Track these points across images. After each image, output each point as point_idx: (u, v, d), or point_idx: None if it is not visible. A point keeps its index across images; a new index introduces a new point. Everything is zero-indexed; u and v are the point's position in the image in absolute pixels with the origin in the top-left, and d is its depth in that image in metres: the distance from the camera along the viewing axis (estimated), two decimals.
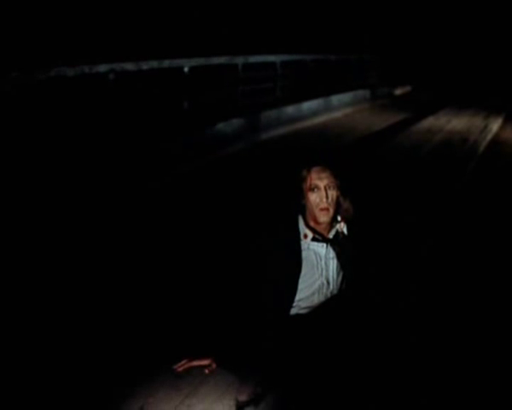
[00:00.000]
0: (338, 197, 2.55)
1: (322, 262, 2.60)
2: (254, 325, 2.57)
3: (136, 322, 3.31)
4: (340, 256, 2.61)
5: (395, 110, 14.49)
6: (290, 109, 11.74)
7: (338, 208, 2.57)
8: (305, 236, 2.60)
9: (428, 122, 12.39)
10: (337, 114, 13.56)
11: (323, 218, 2.54)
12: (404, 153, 9.02)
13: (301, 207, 2.61)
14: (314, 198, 2.53)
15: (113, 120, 7.12)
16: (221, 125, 8.96)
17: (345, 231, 2.62)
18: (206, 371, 2.44)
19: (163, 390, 2.63)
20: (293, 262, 2.58)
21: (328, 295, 2.62)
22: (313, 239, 2.60)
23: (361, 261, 2.63)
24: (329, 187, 2.52)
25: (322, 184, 2.52)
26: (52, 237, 4.59)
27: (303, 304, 2.61)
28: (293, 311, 2.62)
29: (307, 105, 12.59)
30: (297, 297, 2.59)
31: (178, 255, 4.38)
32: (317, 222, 2.57)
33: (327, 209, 2.52)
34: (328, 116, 13.06)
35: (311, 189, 2.53)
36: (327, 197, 2.51)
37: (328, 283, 2.61)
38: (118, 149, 6.70)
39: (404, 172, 7.60)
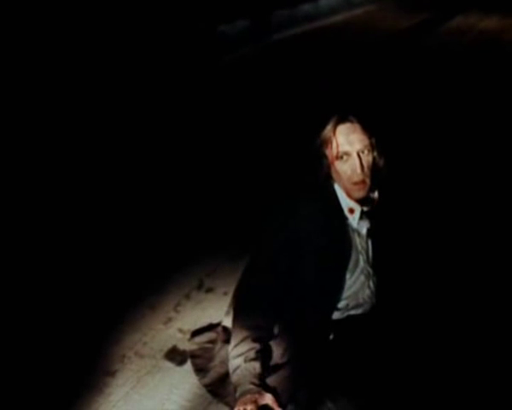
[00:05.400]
0: (374, 160, 1.84)
1: (364, 245, 1.93)
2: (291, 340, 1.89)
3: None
4: (375, 236, 1.95)
5: (422, 7, 13.35)
6: (306, 7, 10.76)
7: (375, 175, 1.86)
8: (351, 210, 1.89)
9: (458, 21, 11.40)
10: (358, 12, 12.54)
11: (359, 193, 1.84)
12: (432, 54, 8.29)
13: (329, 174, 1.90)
14: (345, 170, 1.83)
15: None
16: (225, 27, 8.09)
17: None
18: None
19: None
20: (338, 249, 1.87)
21: (372, 287, 1.95)
22: (361, 216, 1.90)
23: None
24: (363, 151, 1.81)
25: (353, 149, 1.81)
26: None
27: (351, 303, 1.93)
28: (340, 314, 1.94)
29: (326, 2, 11.57)
30: (343, 295, 1.91)
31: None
32: (349, 195, 1.88)
33: (363, 182, 1.82)
34: (348, 14, 12.07)
35: (340, 157, 1.83)
36: (362, 167, 1.80)
37: (373, 272, 1.95)
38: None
39: (434, 76, 6.93)
